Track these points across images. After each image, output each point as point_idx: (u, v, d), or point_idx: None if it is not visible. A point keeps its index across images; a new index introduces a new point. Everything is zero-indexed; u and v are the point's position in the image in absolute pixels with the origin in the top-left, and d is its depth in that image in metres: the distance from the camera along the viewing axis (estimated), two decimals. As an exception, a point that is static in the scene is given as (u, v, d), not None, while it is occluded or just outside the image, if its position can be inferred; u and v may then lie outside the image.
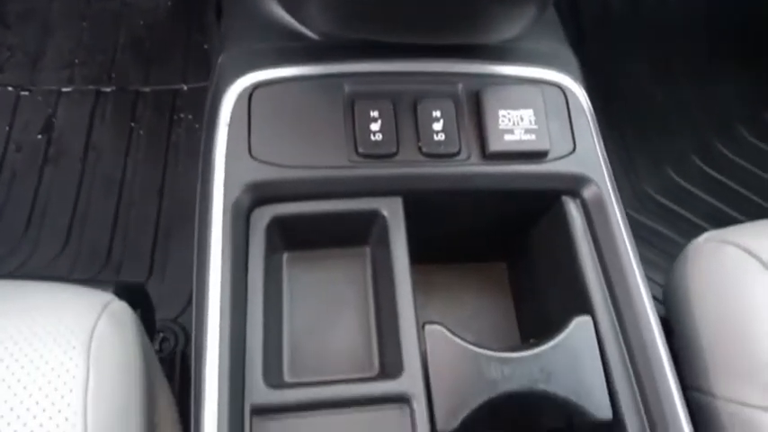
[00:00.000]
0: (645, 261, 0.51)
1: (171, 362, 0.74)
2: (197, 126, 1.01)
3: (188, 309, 0.87)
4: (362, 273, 0.53)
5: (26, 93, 1.04)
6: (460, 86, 0.53)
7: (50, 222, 0.94)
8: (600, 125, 0.55)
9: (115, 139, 0.99)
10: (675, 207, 1.10)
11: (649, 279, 0.50)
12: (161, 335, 0.80)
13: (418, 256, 0.50)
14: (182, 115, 1.03)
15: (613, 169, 0.54)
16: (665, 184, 1.14)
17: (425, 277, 0.59)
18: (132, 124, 1.01)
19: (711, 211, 1.12)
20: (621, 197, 0.53)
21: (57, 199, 0.95)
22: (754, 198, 1.15)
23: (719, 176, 1.17)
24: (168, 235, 0.92)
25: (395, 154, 0.50)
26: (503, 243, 0.63)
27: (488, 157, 0.51)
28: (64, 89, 1.04)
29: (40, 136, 1.00)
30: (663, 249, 1.02)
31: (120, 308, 0.46)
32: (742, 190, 1.16)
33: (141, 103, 1.04)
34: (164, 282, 0.89)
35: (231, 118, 0.50)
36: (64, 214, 0.94)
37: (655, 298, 0.50)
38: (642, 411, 0.46)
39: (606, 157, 0.54)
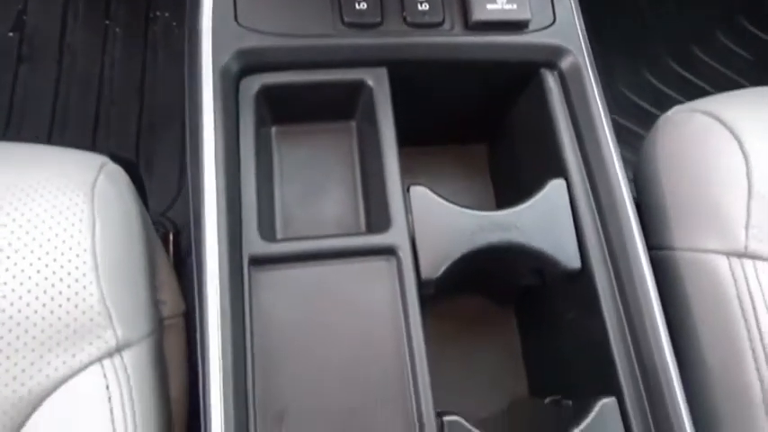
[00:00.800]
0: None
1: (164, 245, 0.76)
2: (174, 24, 0.99)
3: (176, 203, 0.89)
4: (349, 145, 0.55)
5: (-9, -12, 1.00)
6: None
7: (30, 122, 0.93)
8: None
9: (90, 37, 0.97)
10: (650, 108, 1.13)
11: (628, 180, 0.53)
12: (151, 227, 0.82)
13: (402, 139, 0.52)
14: (158, 13, 1.00)
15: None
16: (642, 85, 1.17)
17: (408, 159, 0.61)
18: (107, 22, 0.99)
19: (685, 112, 1.15)
20: None
21: (35, 98, 0.94)
22: (727, 100, 1.18)
23: (694, 79, 1.20)
24: (152, 132, 0.93)
25: (379, 24, 0.51)
26: (483, 124, 0.65)
27: (471, 27, 0.52)
28: (32, -16, 1.00)
29: (11, 34, 0.97)
30: (636, 147, 1.06)
31: (116, 170, 0.48)
32: (715, 92, 1.19)
33: (115, 0, 1.00)
34: (150, 178, 0.90)
35: (216, -16, 0.50)
36: (43, 114, 0.93)
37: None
38: (609, 263, 0.50)
39: (584, 30, 0.55)
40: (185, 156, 0.89)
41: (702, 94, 1.19)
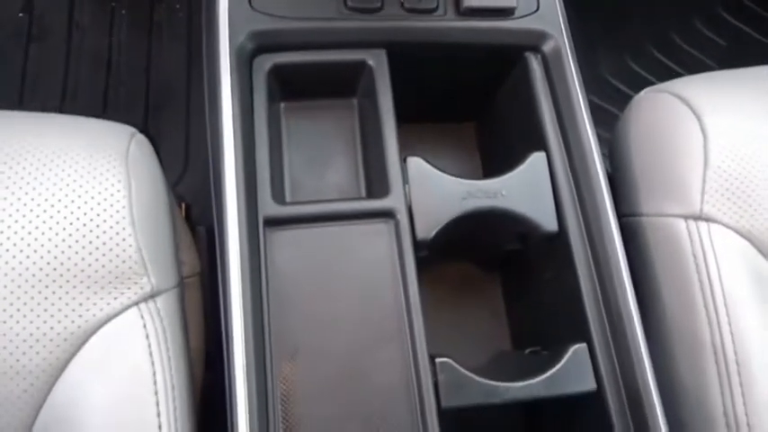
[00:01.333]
0: (599, 140, 0.59)
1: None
2: (177, 6, 1.03)
3: (182, 180, 0.93)
4: (351, 120, 0.61)
5: (0, -30, 1.03)
6: None
7: (41, 101, 0.97)
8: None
9: (98, 17, 1.00)
10: (629, 91, 1.20)
11: (603, 156, 0.59)
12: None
13: (398, 116, 0.56)
14: (162, -6, 1.04)
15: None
16: (623, 71, 1.23)
17: (404, 136, 0.67)
18: (113, 4, 1.02)
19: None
20: None
21: (45, 78, 0.98)
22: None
23: (672, 64, 1.26)
24: (158, 111, 0.97)
25: (379, 9, 0.56)
26: (473, 103, 0.71)
27: (462, 12, 0.58)
28: (40, -34, 1.03)
29: (21, 14, 1.00)
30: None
31: (143, 139, 0.53)
32: (690, 76, 1.26)
33: (120, -18, 1.04)
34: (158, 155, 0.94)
35: (231, -29, 0.55)
36: (54, 93, 0.97)
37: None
38: (583, 227, 0.56)
39: (566, 17, 0.61)
40: (190, 133, 0.94)
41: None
